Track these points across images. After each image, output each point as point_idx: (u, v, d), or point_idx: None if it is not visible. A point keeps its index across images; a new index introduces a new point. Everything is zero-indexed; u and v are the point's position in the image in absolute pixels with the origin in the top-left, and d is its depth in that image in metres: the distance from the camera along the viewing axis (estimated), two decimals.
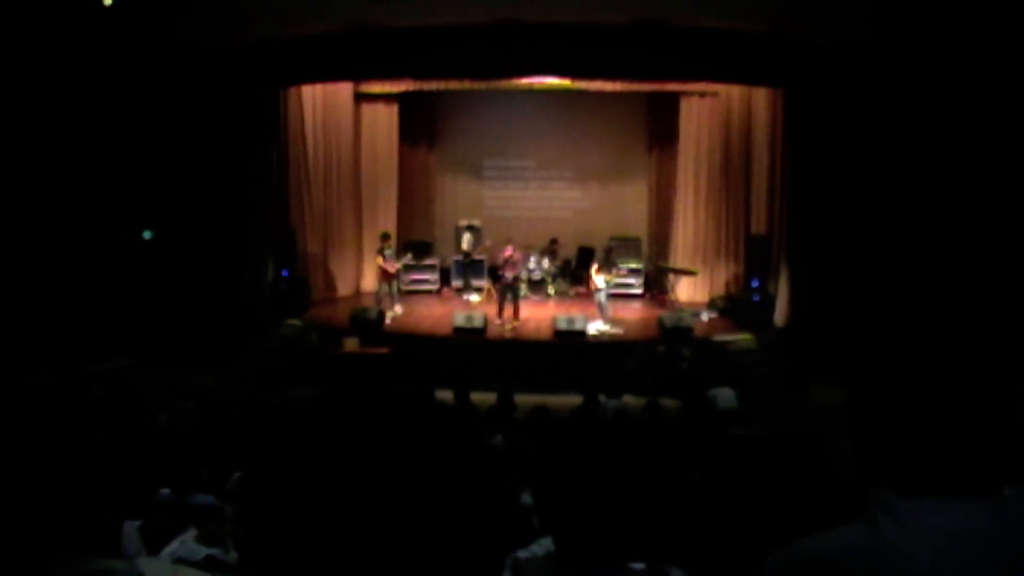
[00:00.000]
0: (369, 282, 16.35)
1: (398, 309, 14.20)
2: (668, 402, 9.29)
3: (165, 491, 3.77)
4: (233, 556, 2.70)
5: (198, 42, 12.39)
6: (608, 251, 14.42)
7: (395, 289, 14.43)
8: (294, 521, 0.77)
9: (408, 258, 15.40)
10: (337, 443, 0.81)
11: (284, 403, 8.36)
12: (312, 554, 0.75)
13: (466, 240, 16.27)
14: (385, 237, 14.37)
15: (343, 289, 16.32)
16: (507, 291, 13.67)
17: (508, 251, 13.74)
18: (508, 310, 13.68)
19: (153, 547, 2.68)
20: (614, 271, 13.80)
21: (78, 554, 1.34)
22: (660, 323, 13.10)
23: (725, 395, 9.09)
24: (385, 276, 14.17)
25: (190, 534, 2.80)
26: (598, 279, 13.40)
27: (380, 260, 14.14)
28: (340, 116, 15.96)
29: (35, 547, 1.31)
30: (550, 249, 15.75)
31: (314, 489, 0.77)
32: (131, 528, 2.58)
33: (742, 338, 13.07)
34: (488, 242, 16.02)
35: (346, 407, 0.86)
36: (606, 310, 13.50)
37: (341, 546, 0.75)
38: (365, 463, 0.79)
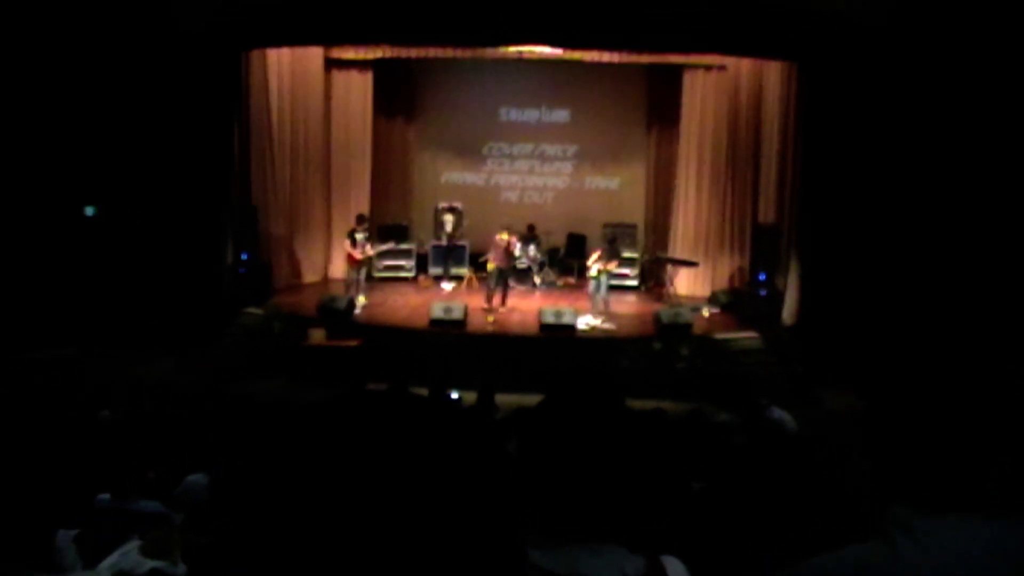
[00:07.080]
0: (338, 268, 16.26)
1: (361, 299, 14.11)
2: (667, 405, 9.26)
3: (104, 496, 3.72)
4: (182, 569, 2.68)
5: None
6: (612, 240, 14.27)
7: (363, 277, 14.41)
8: (273, 532, 0.75)
9: (390, 245, 15.34)
10: (324, 447, 0.79)
11: (246, 399, 8.34)
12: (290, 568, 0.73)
13: (448, 223, 16.20)
14: (360, 220, 14.29)
15: (309, 275, 16.27)
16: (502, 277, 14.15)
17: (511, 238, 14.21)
18: (497, 298, 13.99)
19: (91, 559, 2.65)
20: (615, 262, 13.80)
21: (4, 568, 1.31)
22: (657, 318, 13.12)
23: (786, 418, 8.65)
24: (352, 262, 14.14)
25: (133, 544, 2.77)
26: (595, 268, 13.38)
27: (347, 245, 14.10)
28: (309, 84, 15.87)
29: None
30: (530, 235, 15.72)
31: (296, 498, 0.75)
32: (66, 538, 2.55)
33: (746, 337, 13.10)
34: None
35: (335, 408, 0.84)
36: (606, 303, 13.47)
37: (324, 559, 0.74)
38: (355, 472, 0.77)
